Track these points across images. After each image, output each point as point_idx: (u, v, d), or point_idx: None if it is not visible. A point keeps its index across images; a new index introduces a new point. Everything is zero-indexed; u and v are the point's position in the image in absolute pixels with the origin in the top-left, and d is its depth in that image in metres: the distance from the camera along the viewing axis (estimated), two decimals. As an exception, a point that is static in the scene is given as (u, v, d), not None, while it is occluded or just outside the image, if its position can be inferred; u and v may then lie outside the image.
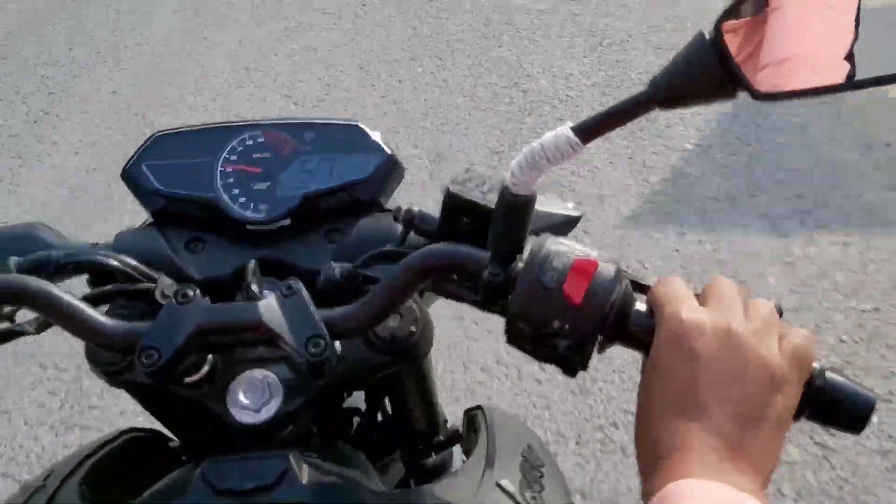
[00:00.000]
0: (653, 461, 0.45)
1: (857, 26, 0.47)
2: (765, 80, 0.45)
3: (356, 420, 0.85)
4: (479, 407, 0.77)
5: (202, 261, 0.69)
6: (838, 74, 0.44)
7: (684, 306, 0.49)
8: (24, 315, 0.61)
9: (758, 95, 0.45)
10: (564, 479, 0.72)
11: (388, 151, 0.71)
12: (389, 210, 0.72)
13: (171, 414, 0.74)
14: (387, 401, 0.85)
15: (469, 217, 0.61)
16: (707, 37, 0.45)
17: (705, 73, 0.46)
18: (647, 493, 0.44)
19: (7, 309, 0.61)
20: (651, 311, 0.52)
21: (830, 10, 0.46)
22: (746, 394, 0.45)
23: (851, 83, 0.44)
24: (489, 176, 0.62)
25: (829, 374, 0.50)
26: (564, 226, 0.70)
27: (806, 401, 0.49)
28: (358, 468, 0.68)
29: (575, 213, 0.71)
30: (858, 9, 0.47)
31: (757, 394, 0.46)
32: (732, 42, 0.45)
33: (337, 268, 0.64)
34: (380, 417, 0.87)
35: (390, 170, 0.71)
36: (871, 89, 0.46)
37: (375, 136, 0.72)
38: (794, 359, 0.47)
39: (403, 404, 0.81)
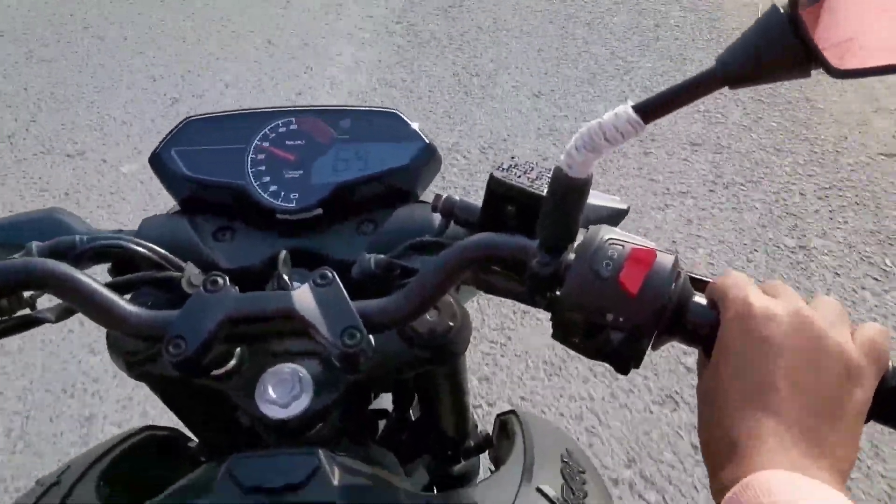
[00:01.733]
0: (725, 454, 0.43)
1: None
2: (843, 56, 0.42)
3: (382, 423, 0.82)
4: (512, 411, 0.74)
5: (231, 250, 0.66)
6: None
7: (752, 293, 0.47)
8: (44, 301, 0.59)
9: (835, 72, 0.42)
10: (606, 486, 0.68)
11: (427, 140, 0.68)
12: (425, 201, 0.70)
13: (193, 410, 0.71)
14: (415, 403, 0.82)
15: (514, 205, 0.58)
16: (782, 10, 0.42)
17: (779, 49, 0.43)
18: (721, 487, 0.41)
19: (28, 294, 0.58)
20: (711, 304, 0.49)
21: None
22: (823, 383, 0.43)
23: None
24: (535, 164, 0.59)
25: None
26: (612, 218, 0.67)
27: (878, 401, 0.46)
28: (389, 469, 0.65)
29: (622, 206, 0.68)
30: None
31: (833, 384, 0.43)
32: (808, 15, 0.41)
33: (372, 259, 0.61)
34: (407, 419, 0.84)
35: (428, 159, 0.69)
36: None
37: (414, 124, 0.69)
38: (871, 351, 0.45)
39: (434, 406, 0.77)
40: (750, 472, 0.39)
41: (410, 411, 0.84)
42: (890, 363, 0.46)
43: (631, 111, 0.46)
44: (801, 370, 0.43)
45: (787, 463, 0.40)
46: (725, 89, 0.45)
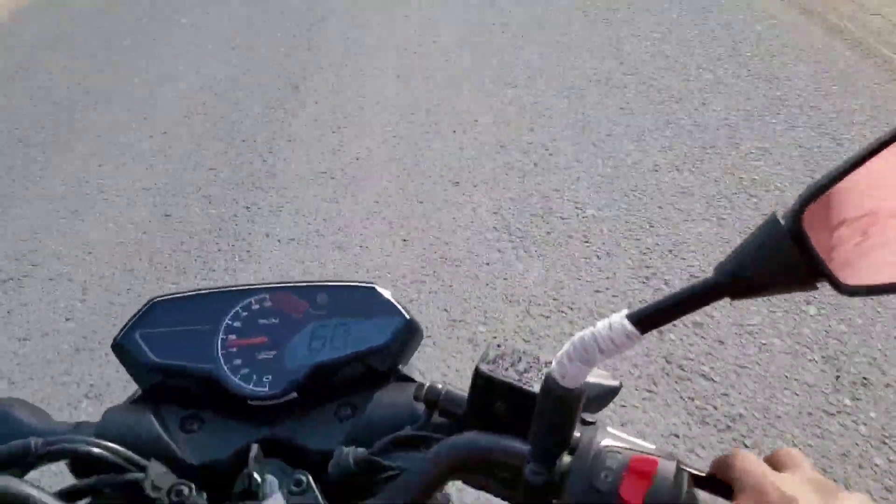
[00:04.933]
0: None
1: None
2: (853, 271, 0.39)
3: None
4: None
5: (199, 443, 0.61)
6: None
7: (765, 470, 0.45)
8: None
9: (845, 289, 0.39)
10: None
11: (407, 316, 0.65)
12: (407, 378, 0.66)
13: None
14: None
15: (504, 402, 0.54)
16: (782, 222, 0.40)
17: (782, 265, 0.40)
18: None
19: None
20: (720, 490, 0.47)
21: None
22: None
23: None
24: (524, 352, 0.55)
25: None
26: (604, 397, 0.63)
27: None
28: None
29: (614, 384, 0.64)
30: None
31: None
32: (812, 229, 0.39)
33: (350, 454, 0.56)
34: None
35: (409, 335, 0.65)
36: None
37: (391, 296, 0.66)
38: None
39: None
40: None
41: None
42: None
43: (626, 322, 0.43)
44: None
45: None
46: None
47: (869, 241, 0.40)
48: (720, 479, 0.48)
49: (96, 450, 0.56)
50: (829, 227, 0.40)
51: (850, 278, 0.39)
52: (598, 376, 0.64)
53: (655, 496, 0.44)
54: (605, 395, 0.64)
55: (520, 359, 0.55)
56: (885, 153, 0.39)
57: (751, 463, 0.46)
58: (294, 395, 0.62)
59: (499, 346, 0.56)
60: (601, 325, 0.44)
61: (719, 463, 0.48)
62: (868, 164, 0.39)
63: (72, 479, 0.59)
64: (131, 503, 0.56)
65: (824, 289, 0.41)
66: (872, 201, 0.40)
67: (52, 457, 0.56)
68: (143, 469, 0.56)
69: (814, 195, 0.39)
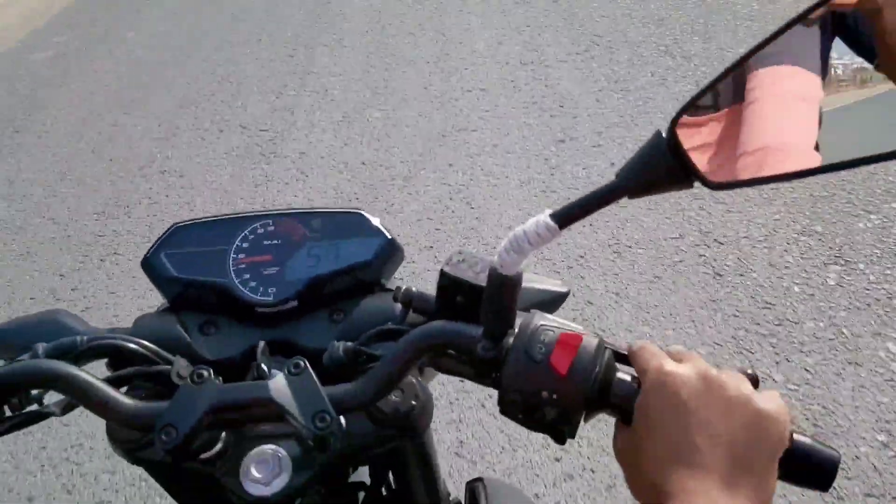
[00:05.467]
0: None
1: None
2: (717, 171, 0.51)
3: (361, 494, 0.88)
4: (479, 479, 0.81)
5: (215, 343, 0.73)
6: (798, 162, 0.50)
7: (665, 363, 0.54)
8: (50, 397, 0.65)
9: (711, 185, 0.51)
10: None
11: (389, 236, 0.77)
12: (390, 290, 0.78)
13: (187, 493, 0.77)
14: (391, 475, 0.88)
15: (463, 296, 0.66)
16: (663, 135, 0.52)
17: (661, 167, 0.52)
18: None
19: (35, 392, 0.65)
20: (631, 378, 0.56)
21: (798, 103, 0.52)
22: (735, 432, 0.50)
23: (808, 171, 0.50)
24: (481, 258, 0.67)
25: (796, 437, 0.54)
26: (552, 301, 0.75)
27: (783, 464, 0.53)
28: None
29: (562, 289, 0.76)
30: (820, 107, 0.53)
31: (745, 431, 0.50)
32: (687, 138, 0.51)
33: (340, 346, 0.68)
34: (384, 492, 0.90)
35: (390, 252, 0.77)
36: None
37: (376, 221, 0.78)
38: (772, 400, 0.52)
39: (406, 479, 0.84)
40: None
41: (387, 483, 0.90)
42: (790, 426, 0.53)
43: (549, 219, 0.54)
44: (714, 424, 0.50)
45: None
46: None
47: (731, 144, 0.51)
48: (633, 358, 0.58)
49: (132, 345, 0.68)
50: (702, 134, 0.51)
51: (716, 177, 0.51)
52: (549, 284, 0.76)
53: (579, 364, 0.55)
54: (556, 300, 0.75)
55: (476, 263, 0.67)
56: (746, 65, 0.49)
57: (652, 352, 0.56)
58: (294, 303, 0.74)
59: (460, 252, 0.68)
60: (529, 222, 0.55)
61: (632, 347, 0.59)
62: (732, 77, 0.50)
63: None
64: (159, 391, 0.68)
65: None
66: (738, 110, 0.51)
67: (95, 351, 0.68)
68: (169, 363, 0.68)
69: (685, 109, 0.50)
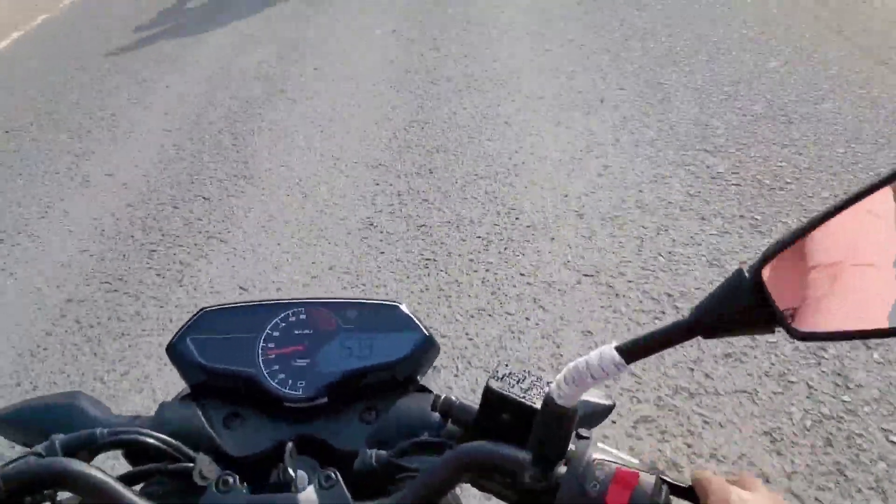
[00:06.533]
0: None
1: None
2: (805, 320, 0.46)
3: None
4: None
5: (240, 437, 0.69)
6: (881, 318, 0.46)
7: (731, 497, 0.50)
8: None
9: (797, 335, 0.46)
10: None
11: (426, 332, 0.73)
12: (425, 388, 0.74)
13: None
14: None
15: (510, 414, 0.61)
16: (746, 275, 0.48)
17: (744, 311, 0.47)
18: None
19: (48, 490, 0.61)
20: None
21: (879, 255, 0.48)
22: None
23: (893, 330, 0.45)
24: (528, 372, 0.63)
25: None
26: (599, 415, 0.71)
27: None
28: None
29: (607, 402, 0.72)
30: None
31: None
32: (772, 281, 0.46)
33: (374, 455, 0.64)
34: None
35: (427, 349, 0.73)
36: None
37: (413, 315, 0.74)
38: None
39: None
40: None
41: None
42: None
43: (614, 353, 0.50)
44: None
45: None
46: None
47: (827, 291, 0.47)
48: (696, 493, 0.54)
49: (153, 440, 0.64)
50: (790, 277, 0.47)
51: (806, 325, 0.46)
52: (594, 396, 0.72)
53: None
54: (599, 413, 0.71)
55: (524, 378, 0.63)
56: (846, 212, 0.46)
57: (721, 484, 0.52)
58: (325, 399, 0.70)
59: (507, 366, 0.64)
60: (593, 354, 0.51)
61: (694, 479, 0.54)
62: (830, 222, 0.46)
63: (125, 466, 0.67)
64: (180, 489, 0.64)
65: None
66: (833, 255, 0.47)
67: (115, 445, 0.65)
68: (191, 460, 0.64)
69: (774, 252, 0.46)
